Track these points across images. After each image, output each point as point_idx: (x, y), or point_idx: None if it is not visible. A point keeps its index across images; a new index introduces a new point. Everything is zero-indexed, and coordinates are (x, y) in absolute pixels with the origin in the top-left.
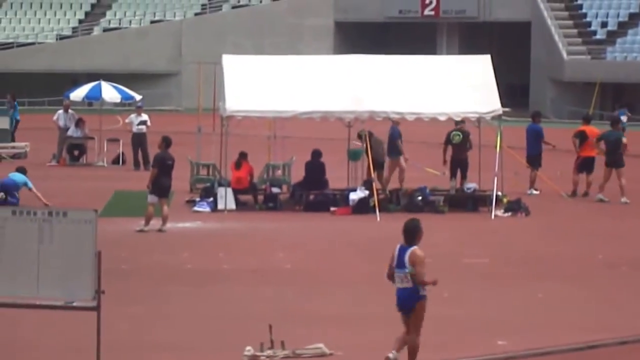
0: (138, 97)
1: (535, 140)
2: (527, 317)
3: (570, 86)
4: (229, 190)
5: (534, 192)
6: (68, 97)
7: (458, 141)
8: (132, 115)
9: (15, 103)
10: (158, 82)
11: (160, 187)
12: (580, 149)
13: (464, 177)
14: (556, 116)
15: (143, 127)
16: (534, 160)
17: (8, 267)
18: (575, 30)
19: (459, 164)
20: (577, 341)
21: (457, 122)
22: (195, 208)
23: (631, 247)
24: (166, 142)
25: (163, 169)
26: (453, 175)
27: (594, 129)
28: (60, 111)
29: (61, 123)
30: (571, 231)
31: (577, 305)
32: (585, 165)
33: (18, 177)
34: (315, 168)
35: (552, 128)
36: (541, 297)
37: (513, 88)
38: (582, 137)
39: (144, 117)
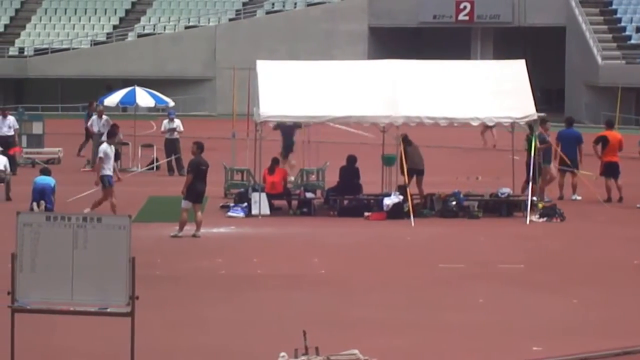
0: (171, 102)
1: (574, 145)
2: (562, 322)
3: (605, 91)
4: (263, 195)
5: (578, 197)
6: (102, 103)
7: (526, 147)
8: (165, 122)
9: (89, 113)
10: (192, 88)
11: (195, 192)
12: (603, 154)
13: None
14: (591, 121)
15: (175, 132)
16: (572, 164)
17: (42, 273)
18: (609, 35)
19: (527, 167)
20: (613, 347)
21: (529, 127)
22: (230, 213)
23: None
24: (200, 148)
25: (198, 174)
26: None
27: (616, 134)
28: (95, 117)
29: (95, 129)
30: (607, 236)
31: (613, 310)
32: (608, 170)
33: (49, 179)
34: (350, 173)
35: (588, 133)
36: (576, 303)
37: (548, 93)
38: (604, 142)
39: (177, 122)
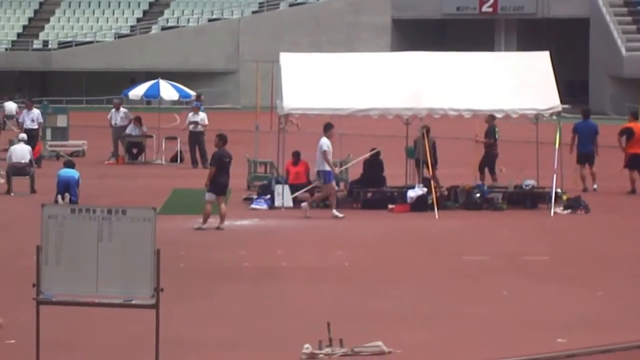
0: (193, 94)
1: (591, 137)
2: (587, 315)
3: (629, 82)
4: (286, 187)
5: (595, 186)
6: (127, 96)
7: (499, 137)
8: (190, 114)
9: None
10: (216, 81)
11: (218, 185)
12: (627, 145)
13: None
14: (616, 113)
15: (199, 125)
16: (590, 157)
17: (67, 266)
18: (634, 27)
19: (496, 158)
20: (638, 339)
21: (493, 118)
22: (253, 205)
23: None
24: (222, 140)
25: (221, 166)
26: (493, 171)
27: None
28: (113, 110)
29: (113, 121)
30: (631, 228)
31: (637, 302)
32: (632, 162)
33: (74, 172)
34: (374, 165)
35: (612, 124)
36: (601, 295)
37: (572, 85)
38: (629, 133)
39: (201, 115)
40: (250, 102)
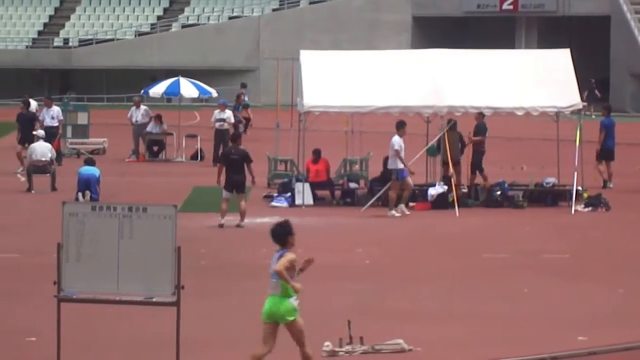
0: (215, 93)
1: (613, 133)
2: (608, 312)
3: None
4: (307, 185)
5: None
6: (147, 93)
7: (487, 135)
8: (216, 112)
9: (236, 105)
10: (236, 78)
11: (230, 182)
12: None
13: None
14: (636, 111)
15: (224, 123)
16: (613, 153)
17: (88, 263)
18: None
19: (483, 156)
20: None
21: (483, 115)
22: (273, 203)
23: None
24: (232, 138)
25: (228, 163)
26: (481, 169)
27: None
28: (133, 107)
29: (133, 119)
30: None
31: None
32: None
33: (94, 170)
34: None
35: (633, 122)
36: (622, 292)
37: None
38: None
39: (227, 113)
40: (270, 100)
